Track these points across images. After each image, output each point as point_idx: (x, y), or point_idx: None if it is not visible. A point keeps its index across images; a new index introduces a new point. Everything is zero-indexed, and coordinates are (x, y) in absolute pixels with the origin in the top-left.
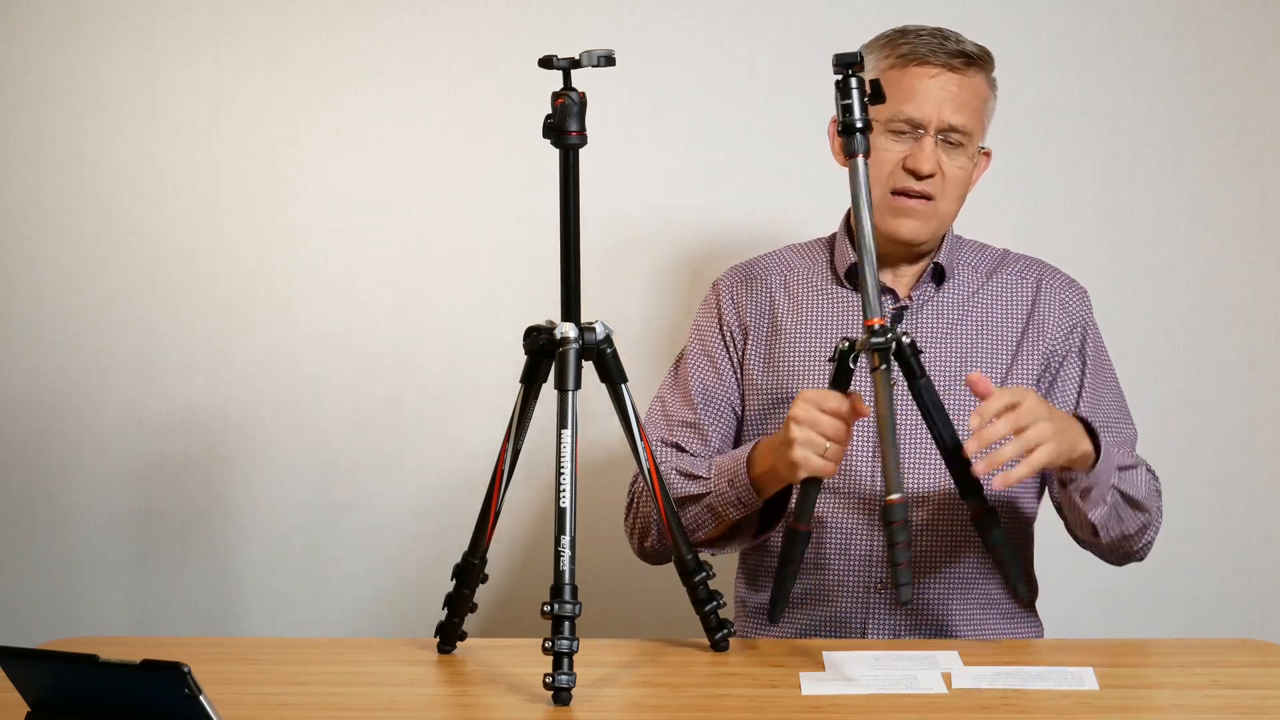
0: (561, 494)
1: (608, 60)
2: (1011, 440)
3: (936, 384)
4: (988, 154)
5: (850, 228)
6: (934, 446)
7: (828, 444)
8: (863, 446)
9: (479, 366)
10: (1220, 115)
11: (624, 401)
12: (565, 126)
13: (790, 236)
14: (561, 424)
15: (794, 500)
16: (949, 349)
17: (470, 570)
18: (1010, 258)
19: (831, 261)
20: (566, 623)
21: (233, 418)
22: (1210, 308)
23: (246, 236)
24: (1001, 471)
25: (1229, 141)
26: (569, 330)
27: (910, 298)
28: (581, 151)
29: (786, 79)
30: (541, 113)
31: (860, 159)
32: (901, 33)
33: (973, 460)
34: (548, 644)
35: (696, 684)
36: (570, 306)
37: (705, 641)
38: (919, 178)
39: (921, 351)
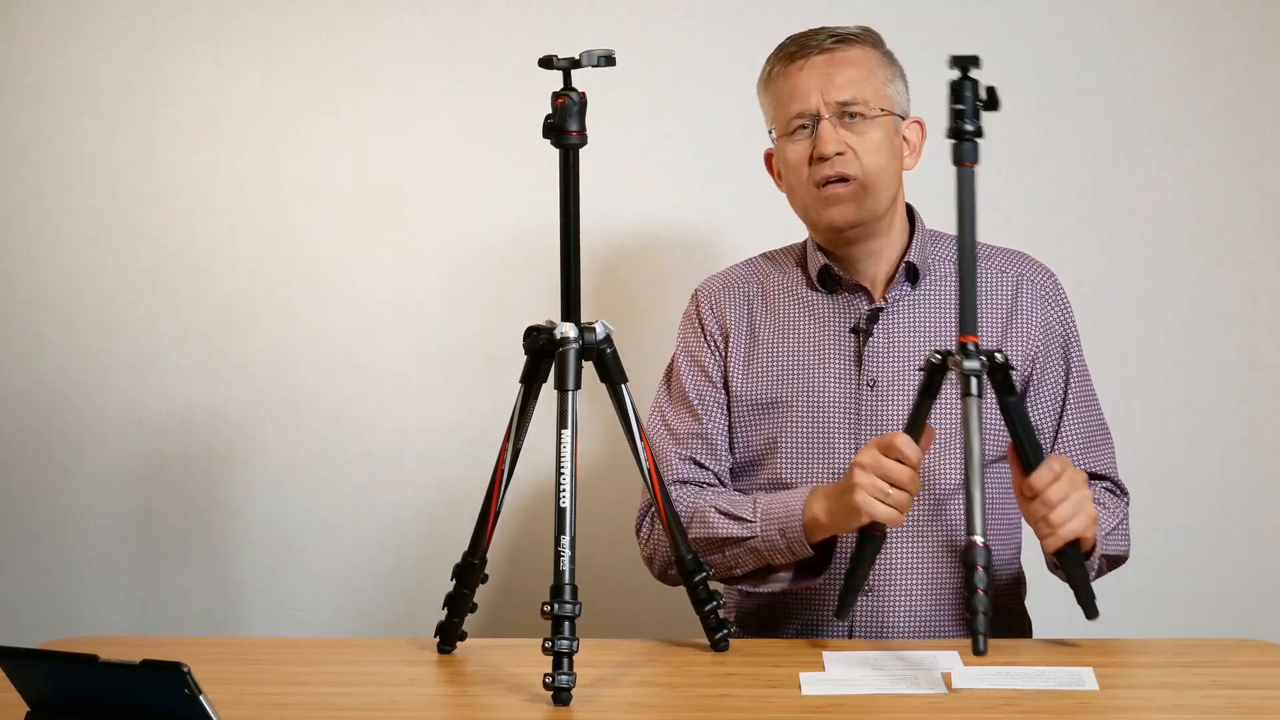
0: (561, 494)
1: (608, 60)
2: (1067, 500)
3: (917, 383)
4: (919, 122)
5: None
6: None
7: (890, 490)
8: (844, 444)
9: (479, 366)
10: (1220, 115)
11: (624, 401)
12: (565, 126)
13: (790, 236)
14: (561, 424)
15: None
16: (928, 348)
17: (470, 570)
18: (986, 251)
19: (804, 267)
20: (566, 623)
21: (233, 418)
22: (1210, 308)
23: (246, 236)
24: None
25: (1229, 141)
26: (569, 330)
27: (885, 299)
28: (581, 151)
29: None
30: (541, 113)
31: (970, 167)
32: (780, 44)
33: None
34: (548, 644)
35: (696, 684)
36: (570, 306)
37: (705, 641)
38: (826, 159)
39: (1014, 369)
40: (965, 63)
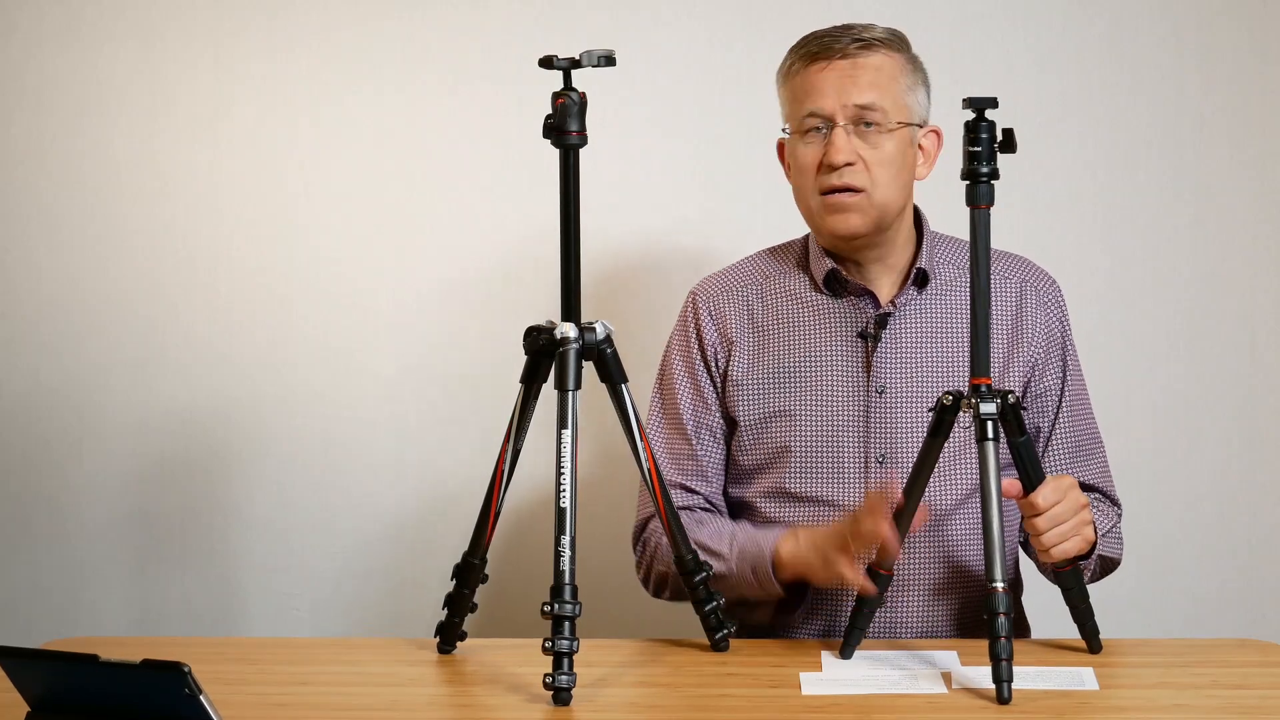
0: (561, 494)
1: (608, 60)
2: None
3: (926, 389)
4: (936, 131)
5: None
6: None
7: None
8: (853, 452)
9: (479, 366)
10: (1220, 115)
11: (624, 401)
12: (565, 126)
13: (790, 236)
14: (561, 424)
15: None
16: (936, 354)
17: (470, 570)
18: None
19: (807, 268)
20: (566, 623)
21: (233, 418)
22: (1210, 308)
23: (246, 236)
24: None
25: (1229, 141)
26: (569, 330)
27: (893, 304)
28: (581, 151)
29: None
30: (541, 113)
31: (983, 210)
32: (805, 39)
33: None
34: (548, 644)
35: (696, 684)
36: (570, 306)
37: (705, 641)
38: (835, 168)
39: (1024, 409)
40: (981, 104)
